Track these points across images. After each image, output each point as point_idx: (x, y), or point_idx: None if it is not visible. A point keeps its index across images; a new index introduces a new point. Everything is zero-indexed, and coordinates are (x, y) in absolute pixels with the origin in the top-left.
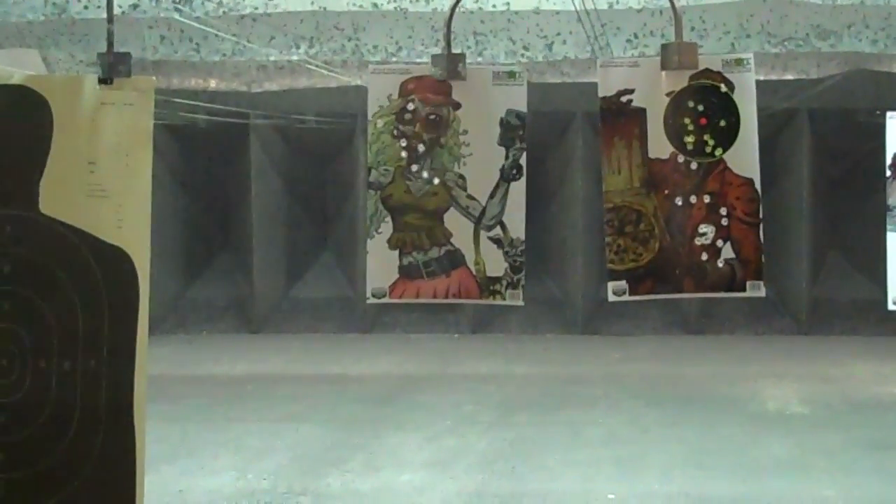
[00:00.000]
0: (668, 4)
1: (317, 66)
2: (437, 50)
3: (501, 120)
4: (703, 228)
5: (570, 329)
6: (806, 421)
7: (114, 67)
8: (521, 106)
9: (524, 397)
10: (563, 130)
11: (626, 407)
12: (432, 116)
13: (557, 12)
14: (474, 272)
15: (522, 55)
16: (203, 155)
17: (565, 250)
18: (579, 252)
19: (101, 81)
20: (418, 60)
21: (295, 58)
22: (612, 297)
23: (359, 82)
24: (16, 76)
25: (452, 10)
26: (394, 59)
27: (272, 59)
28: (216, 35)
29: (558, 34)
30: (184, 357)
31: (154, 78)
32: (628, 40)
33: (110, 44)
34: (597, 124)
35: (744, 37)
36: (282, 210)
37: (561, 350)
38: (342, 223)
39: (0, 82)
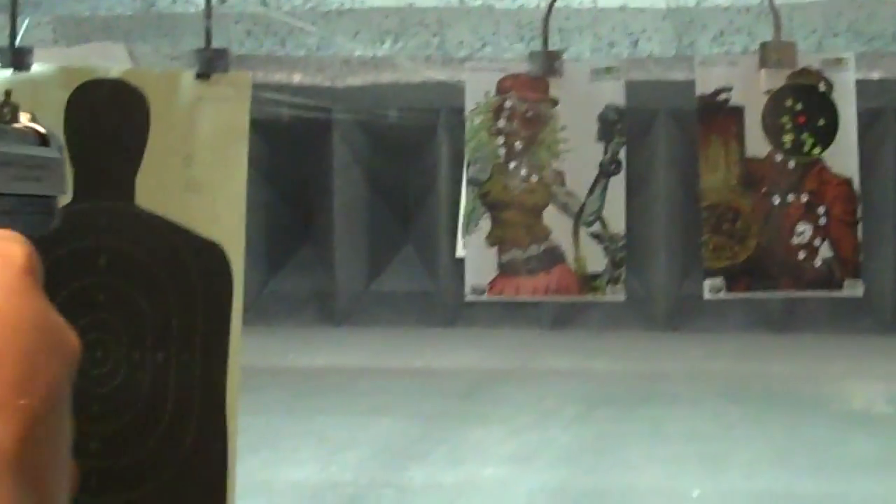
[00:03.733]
0: (754, 2)
1: (401, 61)
2: (522, 46)
3: (600, 115)
4: (800, 227)
5: (652, 326)
6: (892, 421)
7: (212, 63)
8: (620, 101)
9: (606, 393)
10: (646, 128)
11: (710, 404)
12: (529, 113)
13: (643, 9)
14: (574, 268)
15: (608, 52)
16: (286, 149)
17: (647, 247)
18: (661, 249)
19: (198, 76)
20: (504, 56)
21: (379, 53)
22: (707, 295)
23: (442, 78)
24: (113, 71)
25: (550, 6)
26: (479, 55)
27: (357, 54)
28: (301, 30)
29: (644, 31)
30: (266, 349)
31: (250, 74)
32: (714, 38)
33: (208, 40)
34: (681, 122)
35: (831, 35)
36: (363, 204)
37: (642, 346)
38: (424, 217)
39: (97, 76)
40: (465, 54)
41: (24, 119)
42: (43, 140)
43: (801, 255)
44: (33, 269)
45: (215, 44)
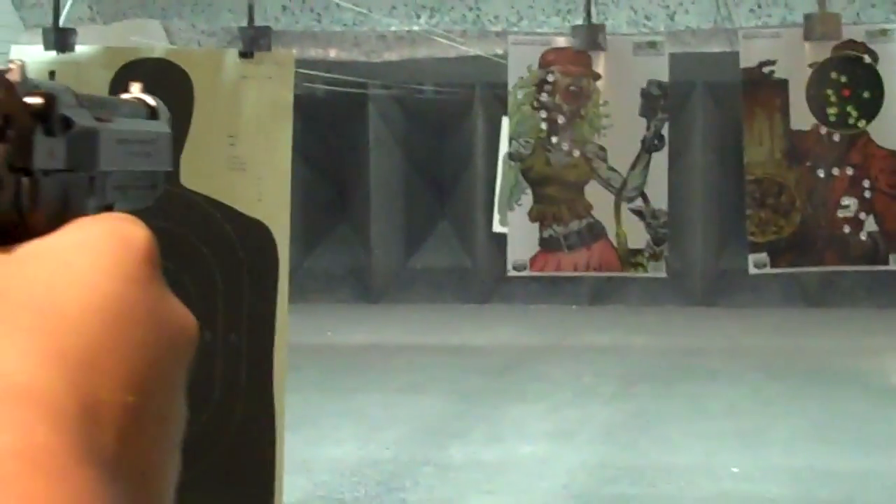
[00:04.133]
0: None
1: (437, 36)
2: (559, 20)
3: (642, 90)
4: (845, 201)
5: (689, 301)
6: None
7: (255, 41)
8: (663, 76)
9: (644, 369)
10: (683, 100)
11: (748, 380)
12: (572, 87)
13: None
14: (615, 244)
15: (644, 25)
16: (322, 125)
17: (684, 221)
18: (699, 223)
19: (242, 55)
20: (538, 31)
21: (416, 28)
22: (752, 270)
23: (478, 52)
24: (157, 49)
25: None
26: (514, 28)
27: (392, 29)
28: (338, 5)
29: (681, 4)
30: (303, 326)
31: (294, 51)
32: (751, 10)
33: (251, 18)
34: (718, 94)
35: (869, 7)
36: (399, 180)
37: (680, 322)
38: (460, 193)
39: (142, 56)
40: (502, 28)
41: (134, 90)
42: (152, 113)
43: (846, 228)
44: (154, 255)
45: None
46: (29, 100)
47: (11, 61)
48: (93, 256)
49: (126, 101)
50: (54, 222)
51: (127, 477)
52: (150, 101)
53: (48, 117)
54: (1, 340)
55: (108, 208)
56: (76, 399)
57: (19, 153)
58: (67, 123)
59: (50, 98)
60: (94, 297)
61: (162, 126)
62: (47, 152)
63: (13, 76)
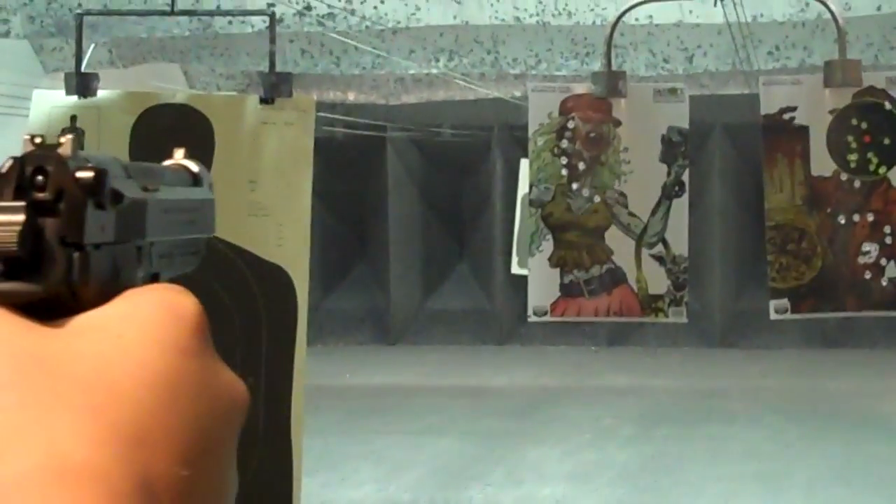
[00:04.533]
0: (810, 17)
1: (455, 78)
2: (577, 63)
3: (663, 137)
4: (866, 247)
5: (708, 342)
6: None
7: (276, 87)
8: (684, 123)
9: (663, 411)
10: (701, 142)
11: (767, 421)
12: (593, 134)
13: (698, 25)
14: (636, 290)
15: (662, 68)
16: (341, 167)
17: (702, 262)
18: (716, 264)
19: (262, 101)
20: (557, 73)
21: (434, 71)
22: (774, 316)
23: (496, 95)
24: (178, 95)
25: (613, 26)
26: (533, 71)
27: (411, 72)
28: (356, 48)
29: (699, 47)
30: (322, 368)
31: (314, 97)
32: (769, 52)
33: (272, 63)
34: (736, 136)
35: (888, 49)
36: (418, 222)
37: (699, 363)
38: (478, 235)
39: (163, 101)
40: (520, 71)
41: (178, 156)
42: (195, 179)
43: (867, 274)
44: (204, 325)
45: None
46: (80, 174)
47: (64, 133)
48: (143, 329)
49: (170, 168)
50: (104, 295)
51: None
52: (194, 167)
53: (99, 192)
54: (55, 419)
55: (155, 277)
56: (131, 476)
57: (71, 228)
58: (117, 197)
59: (101, 173)
60: (145, 370)
61: (205, 193)
62: (98, 226)
63: (65, 150)
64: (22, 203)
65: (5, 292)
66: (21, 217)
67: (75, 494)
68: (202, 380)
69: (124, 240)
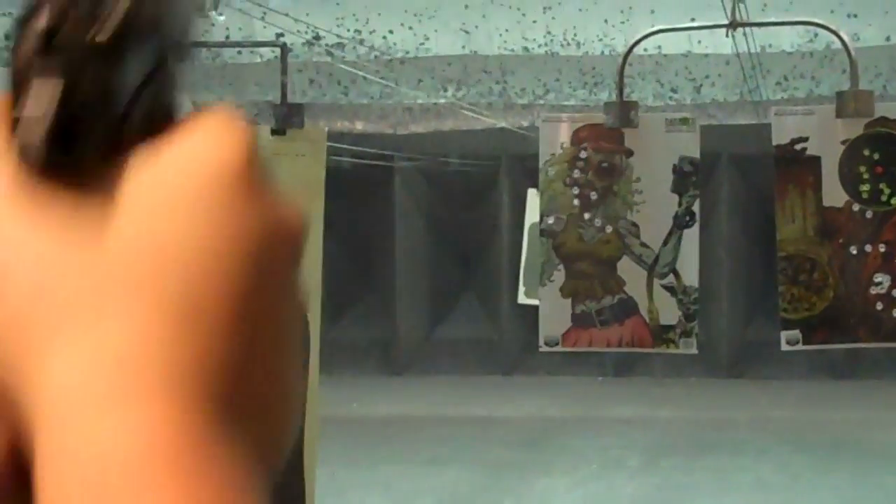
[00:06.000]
0: (818, 48)
1: (463, 108)
2: (585, 92)
3: (674, 167)
4: (878, 278)
5: (715, 372)
6: None
7: (288, 119)
8: (695, 152)
9: (670, 442)
10: (708, 172)
11: (775, 453)
12: (605, 164)
13: (707, 55)
14: (647, 320)
15: (670, 98)
16: (347, 196)
17: (710, 292)
18: (724, 294)
19: (274, 132)
20: (565, 103)
21: (442, 100)
22: (785, 347)
23: (504, 125)
24: None
25: (624, 59)
26: (541, 101)
27: (419, 101)
28: (365, 78)
29: (707, 77)
30: (328, 398)
31: (326, 129)
32: (778, 83)
33: (283, 95)
34: (744, 166)
35: None
36: (425, 252)
37: (706, 394)
38: (485, 265)
39: None
40: (528, 101)
41: None
42: None
43: (879, 305)
44: (255, 154)
45: (278, 93)
46: None
47: None
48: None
49: None
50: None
51: (238, 414)
52: None
53: None
54: (99, 310)
55: None
56: (180, 361)
57: None
58: None
59: None
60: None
61: None
62: None
63: None
64: None
65: None
66: None
67: (126, 391)
68: (260, 224)
69: None
